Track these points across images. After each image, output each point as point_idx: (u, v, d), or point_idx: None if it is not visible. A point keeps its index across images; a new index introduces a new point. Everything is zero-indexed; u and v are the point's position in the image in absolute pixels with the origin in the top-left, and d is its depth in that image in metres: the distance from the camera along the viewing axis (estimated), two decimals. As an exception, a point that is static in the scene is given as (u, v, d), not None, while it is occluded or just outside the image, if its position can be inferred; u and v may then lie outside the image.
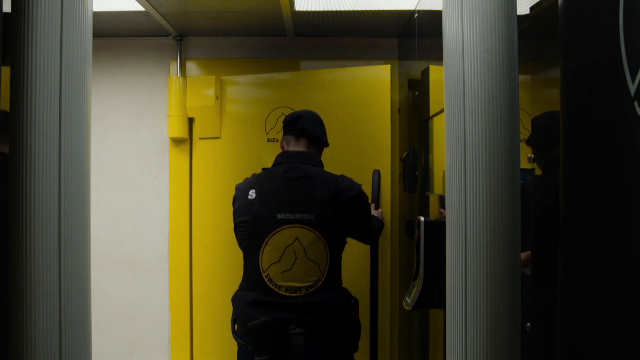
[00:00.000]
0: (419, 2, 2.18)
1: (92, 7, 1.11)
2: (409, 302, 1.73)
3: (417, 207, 2.25)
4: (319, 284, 1.76)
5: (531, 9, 1.22)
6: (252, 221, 1.78)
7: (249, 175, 1.94)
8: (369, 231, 2.02)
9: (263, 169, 1.99)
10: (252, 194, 1.81)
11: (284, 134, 1.97)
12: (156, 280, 2.67)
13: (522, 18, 1.17)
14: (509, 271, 1.07)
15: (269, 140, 2.60)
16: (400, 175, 2.57)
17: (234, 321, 1.82)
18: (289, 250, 1.76)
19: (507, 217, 1.07)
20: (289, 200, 1.78)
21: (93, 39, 1.13)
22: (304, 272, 1.76)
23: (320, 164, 1.94)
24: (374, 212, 2.14)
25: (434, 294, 1.67)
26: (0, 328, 1.02)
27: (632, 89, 0.70)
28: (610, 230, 0.77)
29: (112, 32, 2.61)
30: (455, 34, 1.12)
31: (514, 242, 1.08)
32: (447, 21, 1.15)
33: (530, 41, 1.20)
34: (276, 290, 1.75)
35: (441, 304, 1.38)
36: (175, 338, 2.66)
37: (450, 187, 1.14)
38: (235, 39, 2.71)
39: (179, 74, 2.65)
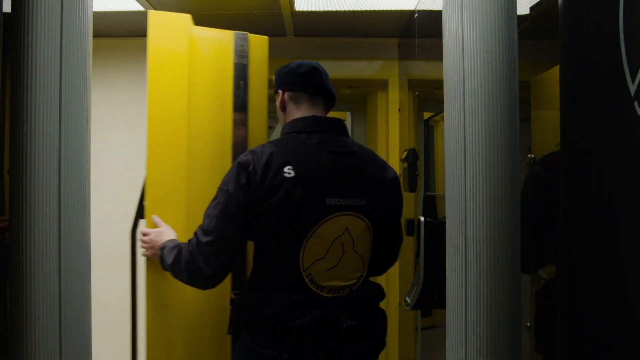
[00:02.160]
0: (419, 2, 2.18)
1: (92, 7, 1.11)
2: (409, 302, 1.73)
3: (418, 207, 2.25)
4: (361, 280, 1.49)
5: (531, 9, 1.22)
6: (296, 204, 1.38)
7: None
8: (400, 235, 1.67)
9: (285, 135, 1.53)
10: (288, 171, 1.40)
11: (288, 89, 1.56)
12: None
13: (522, 18, 1.17)
14: (509, 271, 1.07)
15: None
16: (400, 175, 2.57)
17: (244, 330, 1.45)
18: (336, 243, 1.43)
19: (507, 217, 1.07)
20: (336, 182, 1.43)
21: (93, 39, 1.13)
22: (349, 269, 1.46)
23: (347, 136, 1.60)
24: None
25: (434, 294, 1.67)
26: (1, 328, 1.02)
27: (632, 89, 0.70)
28: (611, 231, 0.77)
29: (112, 32, 2.61)
30: (455, 34, 1.12)
31: (514, 242, 1.08)
32: (447, 21, 1.15)
33: (530, 41, 1.20)
34: (317, 291, 1.42)
35: (441, 304, 1.37)
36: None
37: (450, 187, 1.14)
38: (235, 39, 2.71)
39: (179, 74, 2.65)
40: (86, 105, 1.07)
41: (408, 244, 2.39)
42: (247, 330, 1.43)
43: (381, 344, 1.53)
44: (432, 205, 1.90)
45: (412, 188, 2.26)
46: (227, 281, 1.67)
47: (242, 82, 1.80)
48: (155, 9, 2.28)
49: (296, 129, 1.50)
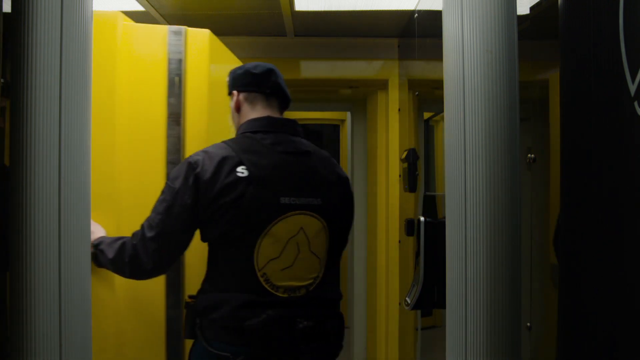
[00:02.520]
0: (419, 2, 2.18)
1: (92, 7, 1.11)
2: (409, 302, 1.73)
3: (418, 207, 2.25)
4: (318, 281, 1.48)
5: (531, 9, 1.22)
6: (248, 204, 1.37)
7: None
8: (347, 238, 1.66)
9: (240, 135, 1.52)
10: (242, 170, 1.38)
11: (243, 90, 1.55)
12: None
13: (522, 18, 1.17)
14: (509, 271, 1.07)
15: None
16: (400, 176, 2.57)
17: (199, 332, 1.42)
18: (291, 242, 1.42)
19: (507, 217, 1.07)
20: (291, 181, 1.43)
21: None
22: (305, 269, 1.45)
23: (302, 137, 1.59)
24: None
25: (434, 294, 1.67)
26: (0, 328, 1.02)
27: (632, 89, 0.70)
28: (611, 231, 0.77)
29: (112, 32, 2.60)
30: (455, 34, 1.12)
31: (514, 242, 1.08)
32: (447, 21, 1.15)
33: (530, 41, 1.20)
34: (273, 291, 1.41)
35: (441, 304, 1.37)
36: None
37: (450, 187, 1.14)
38: (235, 38, 2.71)
39: (179, 74, 2.65)
40: (86, 105, 1.07)
41: (408, 244, 2.39)
42: (202, 333, 1.42)
43: (338, 345, 1.52)
44: (432, 205, 1.90)
45: (412, 188, 2.26)
46: (162, 285, 1.66)
47: (177, 78, 1.77)
48: (156, 9, 2.28)
49: (251, 129, 1.50)
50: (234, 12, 2.35)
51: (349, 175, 4.52)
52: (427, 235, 1.67)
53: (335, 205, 1.51)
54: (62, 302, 1.00)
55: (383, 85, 2.75)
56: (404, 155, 2.42)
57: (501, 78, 1.08)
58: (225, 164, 1.39)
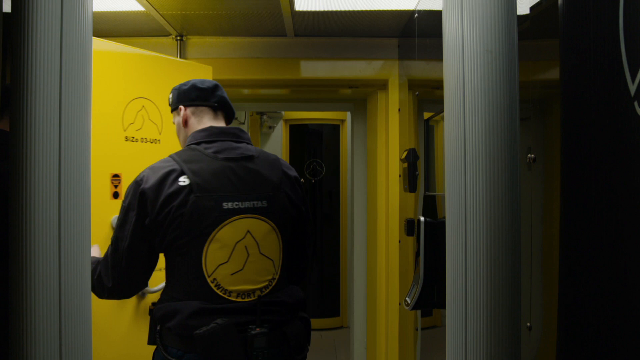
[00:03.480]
0: (419, 2, 2.18)
1: (92, 7, 1.11)
2: (409, 302, 1.73)
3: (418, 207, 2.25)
4: (273, 283, 1.48)
5: (531, 9, 1.22)
6: (190, 212, 1.39)
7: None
8: (310, 240, 1.66)
9: (185, 147, 1.55)
10: (183, 179, 1.41)
11: (190, 104, 1.58)
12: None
13: (522, 18, 1.17)
14: (509, 271, 1.07)
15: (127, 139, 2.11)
16: (400, 176, 2.57)
17: (158, 339, 1.45)
18: (239, 246, 1.44)
19: (507, 217, 1.07)
20: (233, 186, 1.45)
21: (93, 39, 1.13)
22: (257, 272, 1.46)
23: (252, 142, 1.62)
24: None
25: (434, 294, 1.67)
26: (0, 328, 1.02)
27: (632, 89, 0.70)
28: (611, 231, 0.77)
29: (112, 32, 2.61)
30: (455, 34, 1.12)
31: (514, 242, 1.08)
32: (447, 21, 1.15)
33: (530, 41, 1.20)
34: (225, 297, 1.41)
35: (441, 304, 1.38)
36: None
37: (450, 187, 1.14)
38: (235, 39, 2.72)
39: (179, 74, 2.65)
40: (86, 105, 1.07)
41: (408, 244, 2.39)
42: (160, 340, 1.45)
43: (299, 350, 1.50)
44: (432, 205, 1.90)
45: (412, 188, 2.26)
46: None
47: None
48: (156, 9, 2.28)
49: (195, 140, 1.53)
50: (234, 12, 2.35)
51: (348, 175, 4.54)
52: (427, 235, 1.67)
53: (283, 206, 1.52)
54: (62, 302, 1.00)
55: (383, 85, 2.76)
56: (404, 155, 2.42)
57: (501, 78, 1.08)
58: (168, 176, 1.43)
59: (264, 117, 4.84)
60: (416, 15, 2.23)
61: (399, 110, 2.65)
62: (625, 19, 0.72)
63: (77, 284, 1.03)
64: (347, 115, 4.73)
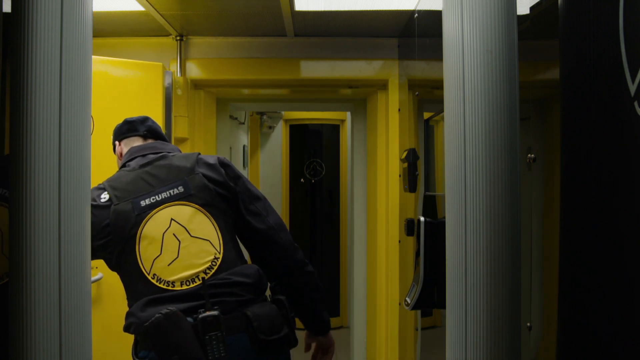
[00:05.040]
0: (419, 2, 2.18)
1: (92, 7, 1.11)
2: (409, 302, 1.73)
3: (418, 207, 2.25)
4: (218, 263, 1.45)
5: (531, 9, 1.22)
6: (114, 222, 1.44)
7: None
8: (260, 211, 1.60)
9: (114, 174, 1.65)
10: (104, 196, 1.48)
11: (122, 138, 1.70)
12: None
13: (522, 18, 1.17)
14: (509, 271, 1.07)
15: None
16: (400, 176, 2.57)
17: (134, 345, 1.44)
18: (167, 236, 1.44)
19: (507, 217, 1.07)
20: (148, 185, 1.50)
21: (93, 39, 1.13)
22: (193, 255, 1.44)
23: (178, 151, 1.68)
24: None
25: (434, 294, 1.67)
26: (0, 328, 1.02)
27: (632, 89, 0.70)
28: (611, 231, 0.77)
29: (112, 32, 2.61)
30: (455, 34, 1.12)
31: (514, 242, 1.08)
32: (447, 21, 1.15)
33: (530, 41, 1.20)
34: (169, 287, 1.41)
35: (441, 304, 1.38)
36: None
37: (450, 187, 1.14)
38: (235, 39, 2.72)
39: (179, 74, 2.65)
40: (86, 105, 1.07)
41: (408, 244, 2.39)
42: (134, 350, 1.44)
43: (269, 331, 1.42)
44: (432, 205, 1.90)
45: (412, 188, 2.26)
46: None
47: None
48: (156, 9, 2.28)
49: (120, 165, 1.65)
50: (234, 12, 2.35)
51: (348, 175, 4.53)
52: (427, 235, 1.67)
53: (203, 186, 1.51)
54: (62, 302, 1.00)
55: (383, 85, 2.76)
56: (404, 155, 2.42)
57: (501, 78, 1.08)
58: (95, 199, 1.49)
59: (264, 117, 4.84)
60: (416, 15, 2.23)
61: (399, 110, 2.65)
62: (625, 19, 0.72)
63: (77, 284, 1.03)
64: (347, 115, 4.73)
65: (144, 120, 1.72)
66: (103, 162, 2.22)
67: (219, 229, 1.50)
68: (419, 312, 2.34)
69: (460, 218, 1.11)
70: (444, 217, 1.19)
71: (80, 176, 1.05)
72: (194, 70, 2.70)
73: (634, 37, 0.70)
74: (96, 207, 1.46)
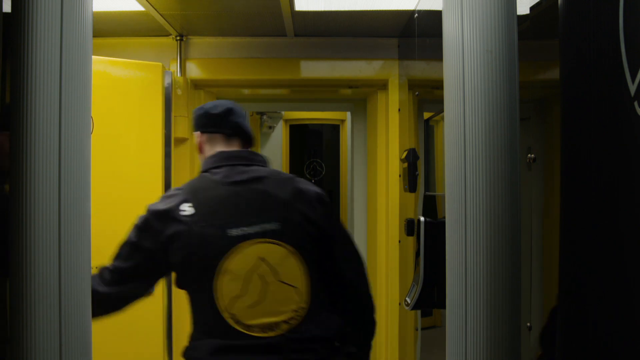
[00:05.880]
0: (419, 2, 2.18)
1: (92, 7, 1.11)
2: (409, 302, 1.73)
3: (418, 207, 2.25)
4: (302, 313, 1.32)
5: (531, 9, 1.22)
6: (194, 244, 1.31)
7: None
8: (353, 258, 1.48)
9: (197, 176, 1.52)
10: (186, 208, 1.34)
11: (204, 131, 1.53)
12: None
13: (522, 18, 1.17)
14: (509, 271, 1.07)
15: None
16: (400, 176, 2.57)
17: None
18: (253, 276, 1.31)
19: (507, 217, 1.07)
20: (239, 211, 1.34)
21: (93, 39, 1.13)
22: (278, 302, 1.31)
23: (267, 164, 1.52)
24: None
25: (434, 294, 1.67)
26: (1, 329, 1.02)
27: (632, 89, 0.70)
28: (611, 231, 0.77)
29: (112, 32, 2.61)
30: (455, 34, 1.12)
31: (514, 242, 1.08)
32: (447, 21, 1.15)
33: (530, 41, 1.20)
34: (246, 332, 1.28)
35: (441, 304, 1.38)
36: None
37: (450, 187, 1.14)
38: (235, 39, 2.72)
39: (179, 74, 2.65)
40: (86, 105, 1.07)
41: (408, 244, 2.39)
42: None
43: None
44: (432, 205, 1.90)
45: (412, 188, 2.26)
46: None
47: None
48: (156, 9, 2.28)
49: (205, 167, 1.47)
50: (234, 12, 2.35)
51: (348, 175, 4.53)
52: (427, 235, 1.67)
53: (299, 226, 1.37)
54: (62, 302, 1.00)
55: (383, 85, 2.75)
56: (404, 155, 2.42)
57: (501, 78, 1.08)
58: (172, 206, 1.35)
59: (264, 117, 4.84)
60: (416, 15, 2.23)
61: (399, 110, 2.65)
62: (625, 19, 0.72)
63: (77, 284, 1.03)
64: (347, 115, 4.73)
65: (227, 113, 1.51)
66: (103, 162, 2.23)
67: (308, 275, 1.36)
68: (419, 312, 2.34)
69: (460, 218, 1.11)
70: (444, 217, 1.19)
71: (80, 176, 1.05)
72: (194, 70, 2.70)
73: (634, 37, 0.70)
74: (171, 217, 1.33)
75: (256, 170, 1.43)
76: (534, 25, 1.20)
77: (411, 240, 1.98)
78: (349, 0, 2.20)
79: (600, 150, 0.79)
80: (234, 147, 1.51)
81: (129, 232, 1.41)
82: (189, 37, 2.70)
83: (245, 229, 1.32)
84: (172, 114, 2.59)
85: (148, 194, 2.42)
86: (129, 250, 1.38)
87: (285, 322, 1.30)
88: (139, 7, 2.24)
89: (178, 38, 2.66)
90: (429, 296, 1.67)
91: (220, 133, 1.50)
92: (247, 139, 1.55)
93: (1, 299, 1.02)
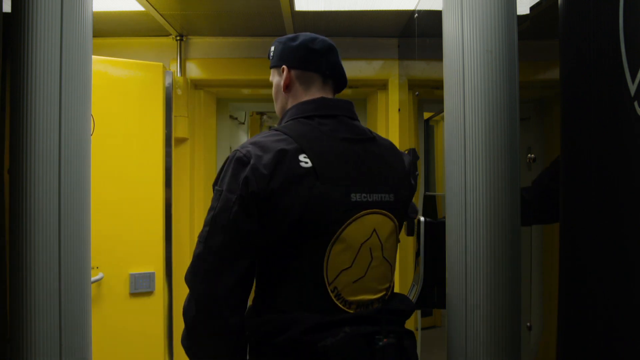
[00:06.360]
0: (419, 2, 2.18)
1: (92, 7, 1.11)
2: (409, 302, 1.73)
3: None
4: (389, 292, 1.23)
5: (531, 9, 1.22)
6: (314, 205, 1.10)
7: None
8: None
9: (292, 121, 1.23)
10: (304, 160, 1.11)
11: (296, 67, 1.27)
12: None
13: (522, 18, 1.17)
14: (509, 271, 1.07)
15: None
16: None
17: (251, 357, 1.16)
18: (364, 248, 1.15)
19: (507, 217, 1.07)
20: (360, 173, 1.16)
21: (93, 39, 1.13)
22: (377, 279, 1.19)
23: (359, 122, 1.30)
24: None
25: (434, 294, 1.67)
26: (0, 328, 1.02)
27: (632, 89, 0.70)
28: (612, 231, 0.77)
29: (112, 32, 2.61)
30: (455, 34, 1.12)
31: (514, 242, 1.08)
32: (447, 21, 1.15)
33: (530, 41, 1.20)
34: (345, 308, 1.13)
35: (441, 304, 1.37)
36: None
37: (450, 187, 1.15)
38: (235, 39, 2.71)
39: (179, 74, 2.66)
40: (86, 106, 1.07)
41: (408, 244, 2.39)
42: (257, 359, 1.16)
43: None
44: (432, 205, 1.90)
45: (412, 188, 2.25)
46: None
47: None
48: (156, 9, 2.28)
49: (304, 113, 1.22)
50: (234, 12, 2.35)
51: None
52: (427, 235, 1.66)
53: (405, 203, 1.25)
54: (62, 302, 1.00)
55: (383, 85, 2.75)
56: (403, 155, 2.42)
57: (501, 78, 1.08)
58: (284, 155, 1.11)
59: (264, 117, 4.84)
60: (416, 15, 2.23)
61: (399, 110, 2.65)
62: (625, 19, 0.72)
63: (77, 284, 1.03)
64: (347, 115, 4.72)
65: (329, 51, 1.28)
66: (103, 162, 2.24)
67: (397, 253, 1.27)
68: (419, 312, 2.34)
69: (460, 218, 1.11)
70: (444, 217, 1.19)
71: (80, 176, 1.05)
72: (194, 70, 2.70)
73: (634, 37, 0.70)
74: (285, 165, 1.09)
75: (363, 129, 1.25)
76: (534, 25, 1.20)
77: (411, 240, 1.98)
78: (349, 0, 2.20)
79: (600, 150, 0.79)
80: (327, 91, 1.30)
81: (217, 195, 1.13)
82: (189, 37, 2.70)
83: (365, 195, 1.15)
84: (173, 114, 2.59)
85: (148, 194, 2.42)
86: (238, 246, 1.12)
87: (377, 300, 1.19)
88: (139, 7, 2.24)
89: (178, 38, 2.66)
90: (429, 296, 1.67)
91: (318, 73, 1.27)
92: (341, 84, 1.35)
93: (1, 299, 1.02)
